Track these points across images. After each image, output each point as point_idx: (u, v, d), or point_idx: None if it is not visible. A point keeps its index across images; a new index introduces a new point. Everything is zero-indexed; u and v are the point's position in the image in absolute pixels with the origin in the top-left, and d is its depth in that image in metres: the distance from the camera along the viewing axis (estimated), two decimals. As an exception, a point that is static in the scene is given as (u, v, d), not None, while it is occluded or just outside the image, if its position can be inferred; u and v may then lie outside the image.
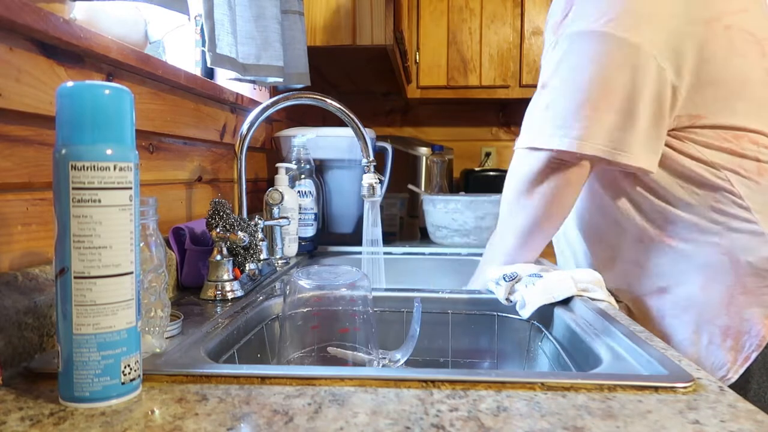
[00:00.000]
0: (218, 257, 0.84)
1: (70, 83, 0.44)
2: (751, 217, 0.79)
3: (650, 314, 0.86)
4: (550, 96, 0.79)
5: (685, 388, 0.49)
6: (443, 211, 1.44)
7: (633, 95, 0.76)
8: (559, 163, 0.82)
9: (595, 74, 0.76)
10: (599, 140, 0.76)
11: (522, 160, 0.86)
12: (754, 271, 0.79)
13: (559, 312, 0.79)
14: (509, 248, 0.91)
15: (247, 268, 0.90)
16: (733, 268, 0.80)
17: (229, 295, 0.84)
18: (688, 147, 0.81)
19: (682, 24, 0.77)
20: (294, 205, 1.18)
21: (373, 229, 1.03)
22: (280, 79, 1.20)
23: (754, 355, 0.79)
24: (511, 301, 0.85)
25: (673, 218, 0.84)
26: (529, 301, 0.81)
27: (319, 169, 1.41)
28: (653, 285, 0.87)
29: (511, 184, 0.89)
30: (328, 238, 1.45)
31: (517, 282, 0.85)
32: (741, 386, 0.80)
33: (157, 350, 0.58)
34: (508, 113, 2.68)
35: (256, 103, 1.24)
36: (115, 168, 0.44)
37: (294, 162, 1.28)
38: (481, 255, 1.37)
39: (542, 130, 0.80)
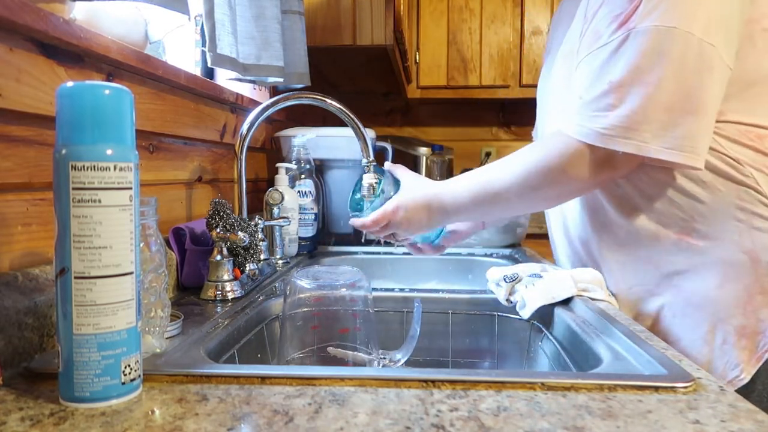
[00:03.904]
0: (218, 257, 0.84)
1: (70, 83, 0.44)
2: None
3: (660, 312, 0.85)
4: (623, 95, 0.74)
5: (685, 388, 0.49)
6: (443, 211, 1.44)
7: (710, 97, 0.74)
8: (608, 161, 0.78)
9: (677, 76, 0.73)
10: (682, 144, 0.73)
11: (568, 148, 0.79)
12: None
13: (559, 312, 0.79)
14: (483, 190, 0.85)
15: (247, 268, 0.90)
16: (753, 267, 0.79)
17: (229, 295, 0.84)
18: (711, 141, 0.78)
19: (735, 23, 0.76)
20: (294, 205, 1.18)
21: (373, 229, 1.03)
22: (280, 79, 1.20)
23: (766, 356, 0.79)
24: (511, 302, 0.85)
25: (693, 215, 0.82)
26: (529, 301, 0.81)
27: (319, 169, 1.41)
28: (664, 284, 0.85)
29: (544, 159, 0.81)
30: (328, 238, 1.45)
31: (517, 283, 0.85)
32: (745, 386, 0.80)
33: (157, 350, 0.58)
34: (508, 113, 2.69)
35: (256, 103, 1.24)
36: (115, 168, 0.44)
37: (294, 162, 1.28)
38: (481, 255, 1.38)
39: (616, 130, 0.74)
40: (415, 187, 0.92)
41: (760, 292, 0.79)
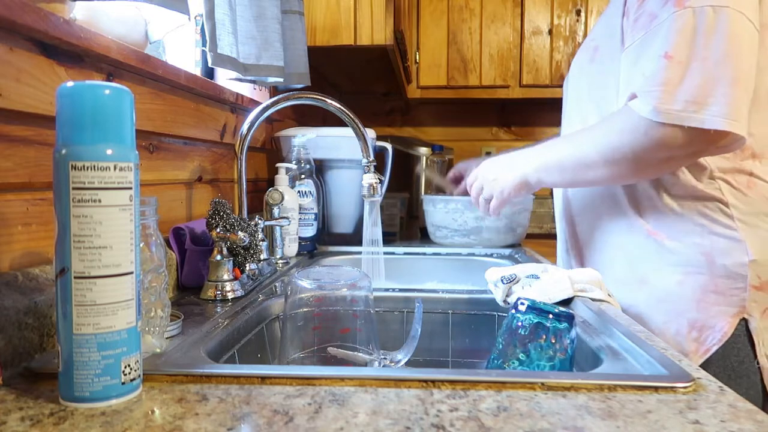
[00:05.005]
0: (218, 257, 0.84)
1: (70, 83, 0.44)
2: (732, 224, 0.86)
3: (625, 302, 0.92)
4: (682, 70, 0.77)
5: (685, 388, 0.49)
6: (443, 211, 1.44)
7: (753, 72, 0.78)
8: (677, 138, 0.79)
9: (733, 53, 0.76)
10: (741, 118, 0.76)
11: (635, 127, 0.81)
12: (728, 274, 0.86)
13: (559, 312, 0.79)
14: (564, 161, 0.92)
15: (247, 268, 0.90)
16: (709, 269, 0.87)
17: (230, 295, 0.84)
18: None
19: None
20: (294, 205, 1.18)
21: (373, 229, 1.03)
22: (281, 79, 1.20)
23: (714, 348, 0.86)
24: (508, 303, 0.85)
25: (664, 215, 0.90)
26: (527, 302, 0.81)
27: (319, 169, 1.41)
28: (634, 275, 0.93)
29: (614, 138, 0.84)
30: (328, 238, 1.45)
31: (515, 284, 0.85)
32: None
33: (157, 350, 0.58)
34: (508, 113, 2.69)
35: (256, 103, 1.24)
36: (115, 168, 0.44)
37: (294, 162, 1.28)
38: (481, 255, 1.38)
39: (680, 105, 0.77)
40: (494, 158, 1.04)
41: (714, 291, 0.86)
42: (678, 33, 0.77)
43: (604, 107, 0.95)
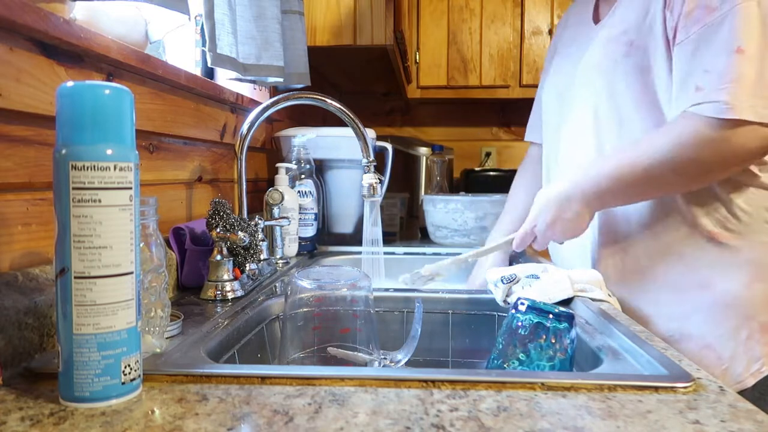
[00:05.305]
0: (218, 257, 0.84)
1: (70, 83, 0.44)
2: None
3: (685, 309, 0.87)
4: (757, 64, 0.75)
5: (685, 388, 0.49)
6: (443, 211, 1.44)
7: None
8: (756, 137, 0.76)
9: None
10: None
11: (711, 136, 0.77)
12: None
13: (559, 312, 0.79)
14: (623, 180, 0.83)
15: (247, 268, 0.90)
16: None
17: (230, 295, 0.84)
18: None
19: None
20: (294, 205, 1.18)
21: (373, 229, 1.03)
22: (281, 79, 1.20)
23: None
24: (508, 303, 0.85)
25: (729, 214, 0.86)
26: (527, 302, 0.81)
27: (319, 169, 1.41)
28: (694, 281, 0.87)
29: (680, 147, 0.79)
30: (328, 238, 1.45)
31: (515, 284, 0.85)
32: (767, 377, 0.84)
33: (158, 350, 0.58)
34: (508, 113, 2.68)
35: (256, 103, 1.24)
36: (115, 168, 0.44)
37: (294, 162, 1.28)
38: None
39: (761, 101, 0.74)
40: (547, 192, 0.90)
41: None
42: (746, 26, 0.75)
43: (642, 102, 0.89)
